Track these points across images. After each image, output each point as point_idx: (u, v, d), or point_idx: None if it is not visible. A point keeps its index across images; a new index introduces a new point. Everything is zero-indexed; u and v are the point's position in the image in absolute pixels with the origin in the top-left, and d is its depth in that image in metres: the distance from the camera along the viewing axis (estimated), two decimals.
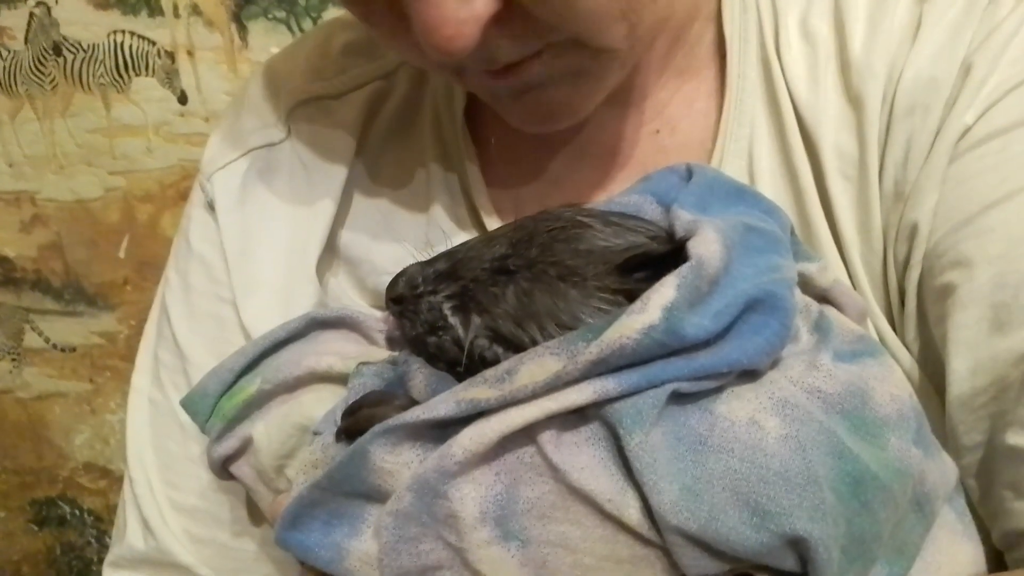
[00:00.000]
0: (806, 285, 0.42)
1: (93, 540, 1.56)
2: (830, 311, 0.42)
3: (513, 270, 0.40)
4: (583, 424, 0.35)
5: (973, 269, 0.44)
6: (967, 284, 0.44)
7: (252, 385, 0.44)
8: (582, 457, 0.34)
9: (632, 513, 0.33)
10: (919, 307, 0.48)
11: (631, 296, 0.35)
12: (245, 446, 0.45)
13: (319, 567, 0.37)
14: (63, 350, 1.43)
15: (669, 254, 0.37)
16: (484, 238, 0.42)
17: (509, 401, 0.34)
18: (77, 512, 1.54)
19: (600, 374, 0.34)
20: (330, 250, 0.58)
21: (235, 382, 0.45)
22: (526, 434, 0.35)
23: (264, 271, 0.57)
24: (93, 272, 1.36)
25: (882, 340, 0.48)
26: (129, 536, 0.58)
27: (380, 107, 0.60)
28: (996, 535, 0.46)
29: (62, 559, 1.58)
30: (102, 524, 1.53)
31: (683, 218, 0.40)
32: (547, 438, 0.34)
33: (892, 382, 0.39)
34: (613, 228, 0.40)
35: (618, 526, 0.34)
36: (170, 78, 1.20)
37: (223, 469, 0.46)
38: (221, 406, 0.44)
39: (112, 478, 1.50)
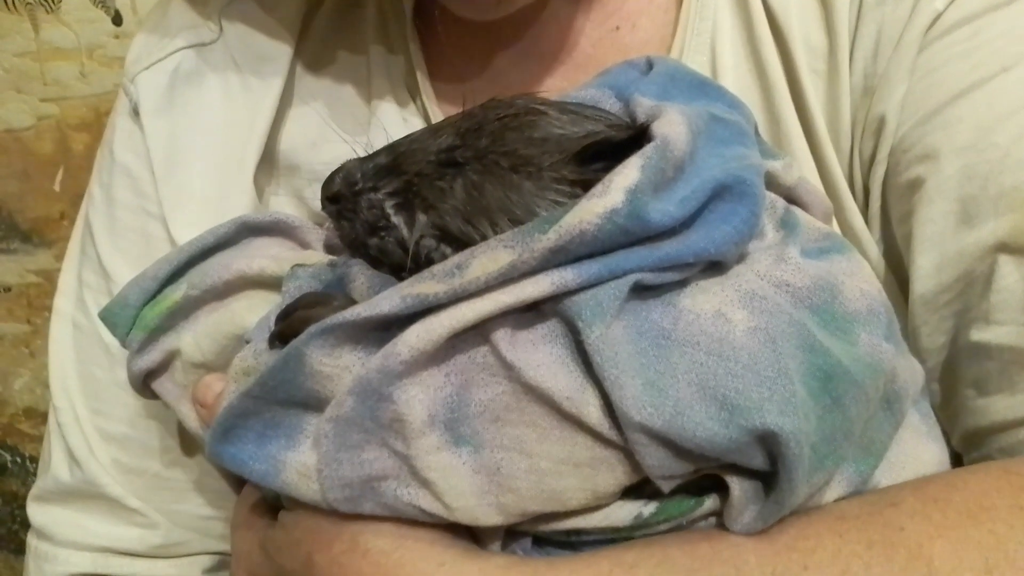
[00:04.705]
0: (771, 183, 0.40)
1: None
2: (796, 209, 0.40)
3: (461, 162, 0.37)
4: (540, 322, 0.33)
5: (940, 161, 0.43)
6: (934, 177, 0.43)
7: (177, 292, 0.41)
8: (539, 355, 0.32)
9: (592, 411, 0.31)
10: (883, 206, 0.46)
11: (590, 188, 0.33)
12: (169, 360, 0.42)
13: (253, 481, 0.35)
14: None
15: (631, 142, 0.34)
16: (429, 129, 0.39)
17: (460, 295, 0.32)
18: (18, 460, 1.49)
19: (558, 264, 0.32)
20: (268, 160, 0.55)
21: (159, 291, 0.41)
22: (478, 333, 0.32)
23: (194, 182, 0.53)
24: (27, 207, 1.29)
25: (854, 236, 0.47)
26: (54, 468, 0.55)
27: (320, 3, 0.56)
28: (957, 437, 0.45)
29: (3, 509, 1.54)
30: None
31: (644, 104, 0.37)
32: (501, 336, 0.32)
33: (861, 277, 0.37)
34: (570, 116, 0.37)
35: (577, 426, 0.32)
36: None
37: (144, 386, 0.43)
38: (143, 315, 0.41)
39: None
